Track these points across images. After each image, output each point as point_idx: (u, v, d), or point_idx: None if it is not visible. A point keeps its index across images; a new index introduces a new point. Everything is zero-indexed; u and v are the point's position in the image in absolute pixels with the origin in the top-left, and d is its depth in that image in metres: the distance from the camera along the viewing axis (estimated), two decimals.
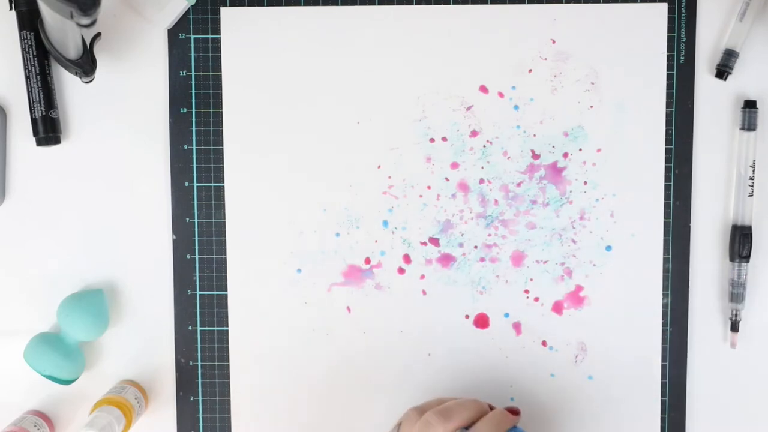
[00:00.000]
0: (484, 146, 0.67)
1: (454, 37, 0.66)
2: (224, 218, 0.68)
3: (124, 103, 0.67)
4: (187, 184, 0.68)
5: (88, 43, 0.63)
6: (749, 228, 0.66)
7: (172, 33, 0.67)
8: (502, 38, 0.66)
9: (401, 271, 0.68)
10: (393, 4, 0.66)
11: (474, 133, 0.67)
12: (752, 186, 0.66)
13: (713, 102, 0.67)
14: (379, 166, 0.67)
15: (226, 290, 0.68)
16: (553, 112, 0.67)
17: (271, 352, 0.68)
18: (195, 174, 0.67)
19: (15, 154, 0.67)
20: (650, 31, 0.66)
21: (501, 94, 0.67)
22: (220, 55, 0.67)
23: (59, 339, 0.65)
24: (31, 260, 0.68)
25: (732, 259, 0.67)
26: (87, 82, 0.65)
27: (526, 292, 0.68)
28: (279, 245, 0.68)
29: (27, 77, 0.65)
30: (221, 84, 0.67)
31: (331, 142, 0.67)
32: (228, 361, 0.68)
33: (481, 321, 0.68)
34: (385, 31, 0.67)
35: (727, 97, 0.66)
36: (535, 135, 0.67)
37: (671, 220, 0.67)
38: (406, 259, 0.68)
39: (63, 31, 0.58)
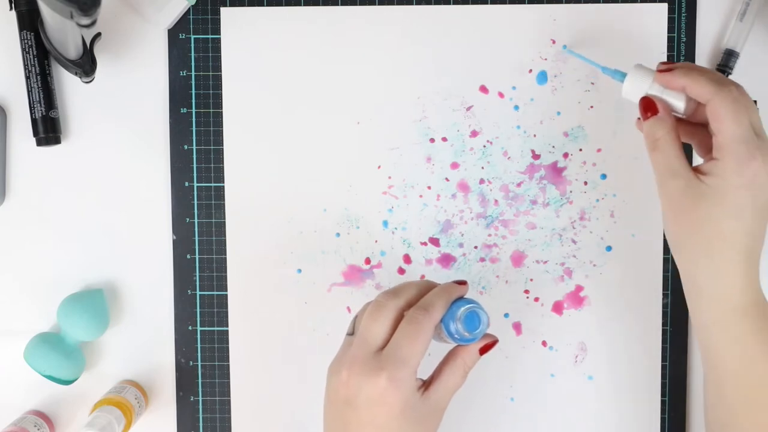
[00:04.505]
0: (484, 146, 0.67)
1: (454, 37, 0.66)
2: (224, 218, 0.68)
3: (124, 103, 0.67)
4: (187, 184, 0.67)
5: (88, 43, 0.63)
6: None
7: (172, 33, 0.67)
8: (502, 38, 0.66)
9: (401, 271, 0.68)
10: (393, 4, 0.66)
11: (474, 133, 0.67)
12: None
13: None
14: (379, 166, 0.67)
15: (226, 290, 0.68)
16: (553, 112, 0.67)
17: (271, 352, 0.68)
18: (195, 174, 0.67)
19: (15, 154, 0.67)
20: (650, 31, 0.66)
21: (501, 94, 0.67)
22: (220, 55, 0.67)
23: (59, 339, 0.65)
24: (31, 260, 0.68)
25: None
26: (87, 82, 0.65)
27: (526, 292, 0.68)
28: (279, 245, 0.68)
29: (27, 77, 0.65)
30: (221, 84, 0.67)
31: (331, 142, 0.67)
32: (228, 361, 0.68)
33: None
34: (385, 31, 0.67)
35: None
36: (535, 135, 0.67)
37: None
38: (407, 259, 0.68)
39: (63, 31, 0.58)
